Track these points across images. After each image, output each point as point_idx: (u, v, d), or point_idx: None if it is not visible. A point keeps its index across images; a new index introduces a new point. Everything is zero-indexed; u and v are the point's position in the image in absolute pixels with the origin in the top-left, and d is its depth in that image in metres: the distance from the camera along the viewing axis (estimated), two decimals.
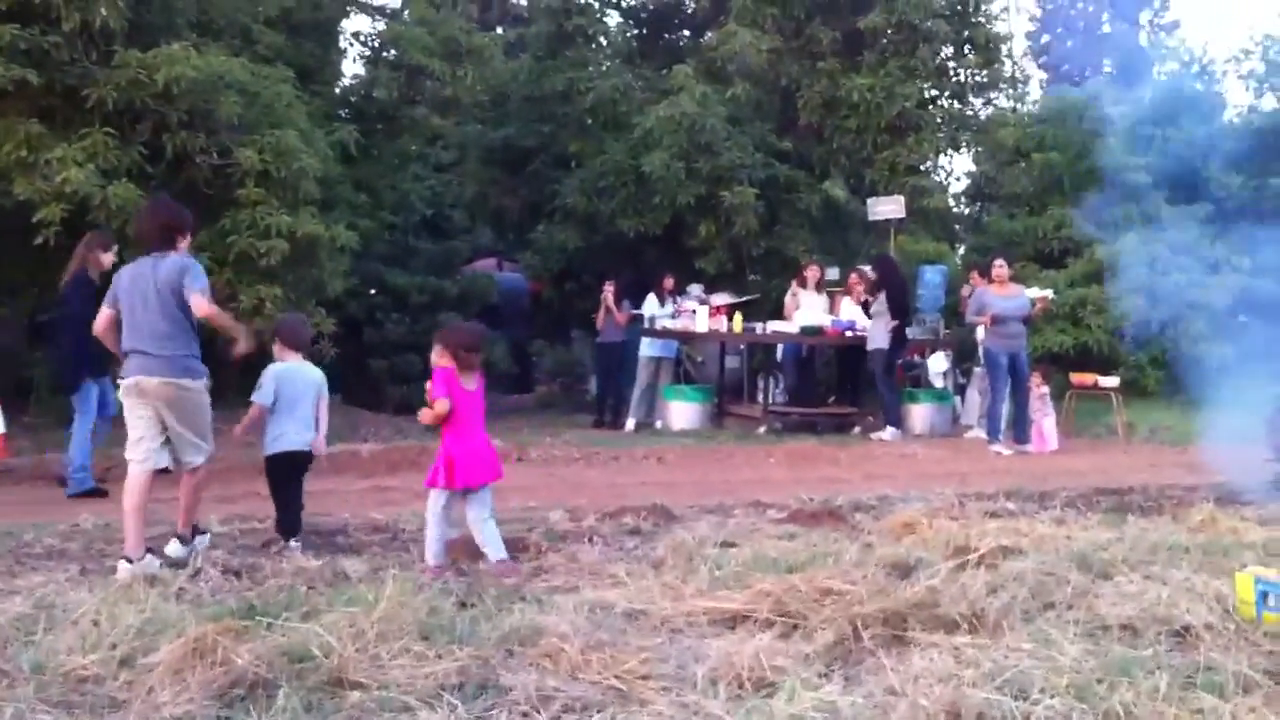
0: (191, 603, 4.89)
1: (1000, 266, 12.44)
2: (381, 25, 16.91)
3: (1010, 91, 22.44)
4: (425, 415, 6.02)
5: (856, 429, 13.42)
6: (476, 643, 4.34)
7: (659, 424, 14.11)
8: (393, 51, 16.19)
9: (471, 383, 6.05)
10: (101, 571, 5.66)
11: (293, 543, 6.43)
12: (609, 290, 14.59)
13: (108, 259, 8.65)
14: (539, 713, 3.75)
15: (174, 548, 6.12)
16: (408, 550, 6.32)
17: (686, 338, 14.53)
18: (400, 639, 4.26)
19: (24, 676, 4.00)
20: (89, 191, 10.89)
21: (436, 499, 5.98)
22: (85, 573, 5.63)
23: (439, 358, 6.05)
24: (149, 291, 6.09)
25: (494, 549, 5.95)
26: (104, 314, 6.24)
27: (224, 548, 6.32)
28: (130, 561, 5.75)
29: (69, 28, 11.48)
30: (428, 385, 6.08)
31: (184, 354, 6.13)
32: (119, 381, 6.27)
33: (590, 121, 18.45)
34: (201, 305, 6.08)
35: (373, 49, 16.71)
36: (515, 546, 6.30)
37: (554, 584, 5.51)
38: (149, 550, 5.94)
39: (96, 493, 8.34)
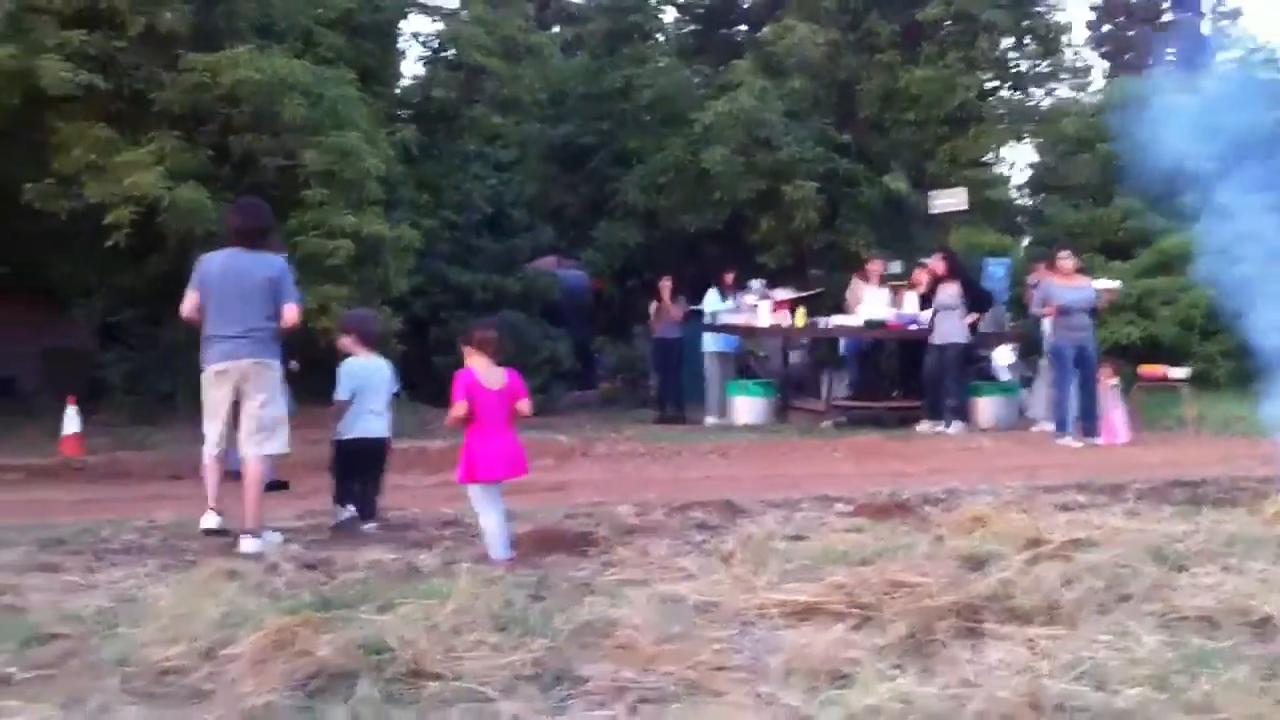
0: (269, 596, 4.95)
1: (1066, 258, 12.30)
2: (440, 25, 17.04)
3: (1072, 81, 22.19)
4: (449, 418, 6.07)
5: (921, 423, 13.33)
6: (550, 635, 4.34)
7: (724, 419, 14.11)
8: (452, 51, 16.31)
9: (496, 382, 6.04)
10: (179, 566, 5.75)
11: (367, 525, 6.79)
12: (664, 286, 14.63)
13: None
14: (615, 703, 3.76)
15: (248, 544, 6.23)
16: (477, 544, 6.36)
17: (749, 333, 14.51)
18: (475, 631, 4.28)
19: (109, 669, 4.06)
20: (158, 194, 11.07)
21: (478, 494, 6.02)
22: (165, 568, 5.71)
23: (466, 357, 6.12)
24: (245, 283, 6.50)
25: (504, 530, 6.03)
26: (192, 299, 6.57)
27: (298, 542, 6.42)
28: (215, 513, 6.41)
29: (134, 33, 11.67)
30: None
31: (270, 338, 6.58)
32: (206, 363, 6.56)
33: (648, 118, 18.49)
34: (294, 316, 6.59)
35: (432, 49, 16.84)
36: (584, 540, 6.33)
37: (624, 577, 5.49)
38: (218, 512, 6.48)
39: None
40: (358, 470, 6.99)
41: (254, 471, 6.50)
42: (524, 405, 6.14)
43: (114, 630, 4.47)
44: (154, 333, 12.43)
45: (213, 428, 6.56)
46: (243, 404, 6.52)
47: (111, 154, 11.50)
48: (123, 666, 4.06)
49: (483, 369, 6.03)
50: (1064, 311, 11.88)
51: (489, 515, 5.98)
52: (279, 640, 4.04)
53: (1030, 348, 14.38)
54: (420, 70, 17.71)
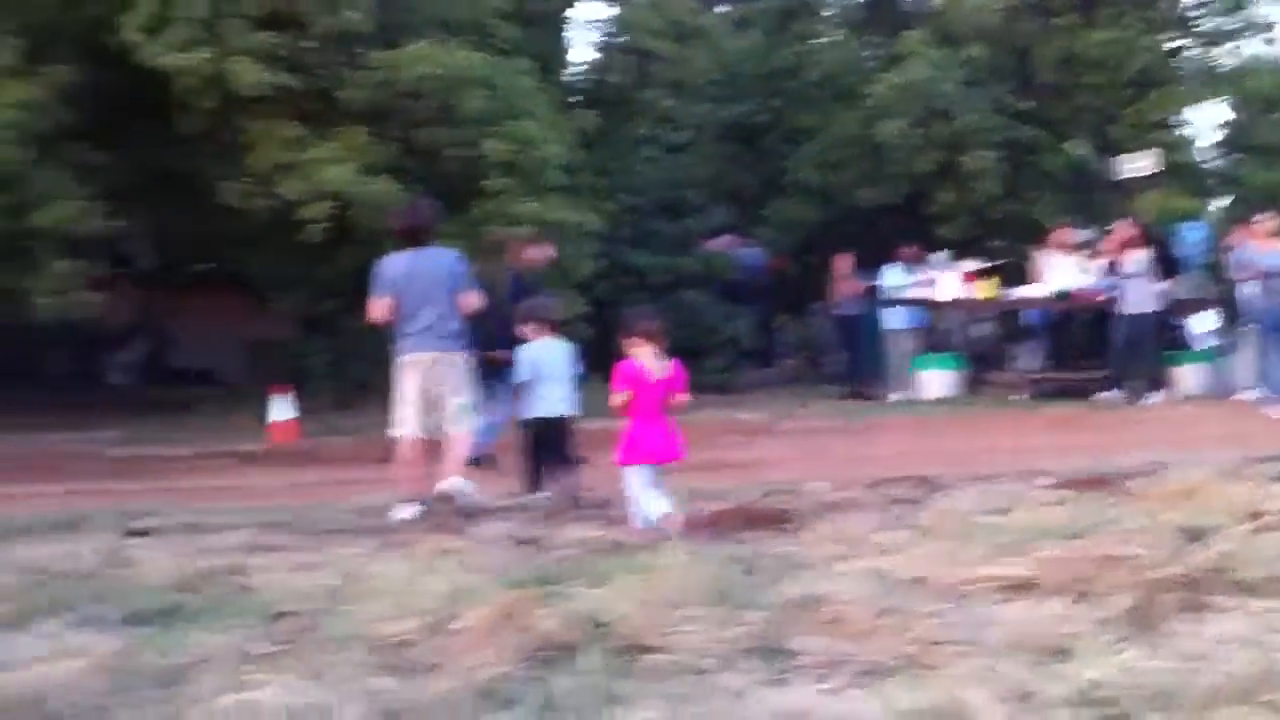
0: (488, 572, 5.08)
1: (1264, 221, 11.83)
2: (611, 10, 17.18)
3: (1261, 36, 21.18)
4: (612, 404, 6.38)
5: (1117, 393, 12.94)
6: (761, 609, 4.38)
7: (911, 394, 13.98)
8: (624, 36, 16.43)
9: (659, 371, 6.23)
10: (396, 545, 5.94)
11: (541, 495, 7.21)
12: (841, 262, 14.54)
13: (536, 254, 9.37)
14: (834, 676, 3.76)
15: (450, 483, 6.82)
16: (633, 523, 6.42)
17: (932, 306, 14.32)
18: (688, 605, 4.34)
19: (343, 643, 4.22)
20: (349, 189, 11.43)
21: (637, 476, 6.25)
22: (383, 547, 5.92)
23: (628, 348, 6.30)
24: (428, 280, 7.02)
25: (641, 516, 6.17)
26: (384, 301, 7.07)
27: (509, 520, 6.59)
28: (418, 503, 6.82)
29: (319, 32, 12.04)
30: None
31: (456, 329, 7.07)
32: (397, 355, 7.07)
33: (819, 94, 18.32)
34: (472, 303, 7.12)
35: (607, 35, 16.99)
36: (783, 517, 6.34)
37: (827, 553, 5.47)
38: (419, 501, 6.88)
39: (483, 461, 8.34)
40: (543, 448, 7.37)
41: (457, 441, 7.05)
42: (682, 397, 6.34)
43: (343, 606, 4.62)
44: (352, 322, 12.85)
45: (407, 415, 7.05)
46: (438, 392, 7.01)
47: (302, 151, 11.93)
48: (356, 640, 4.22)
49: (646, 358, 6.23)
50: (1267, 276, 11.41)
51: (648, 494, 6.17)
52: (503, 614, 4.16)
53: (1231, 313, 13.82)
54: (591, 56, 17.90)
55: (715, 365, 14.57)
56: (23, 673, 3.76)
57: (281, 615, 4.56)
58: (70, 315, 11.76)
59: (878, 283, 14.62)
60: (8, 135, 11.16)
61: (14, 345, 14.59)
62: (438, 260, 7.15)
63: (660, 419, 6.25)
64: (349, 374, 12.99)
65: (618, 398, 6.22)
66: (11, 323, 12.67)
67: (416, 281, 7.02)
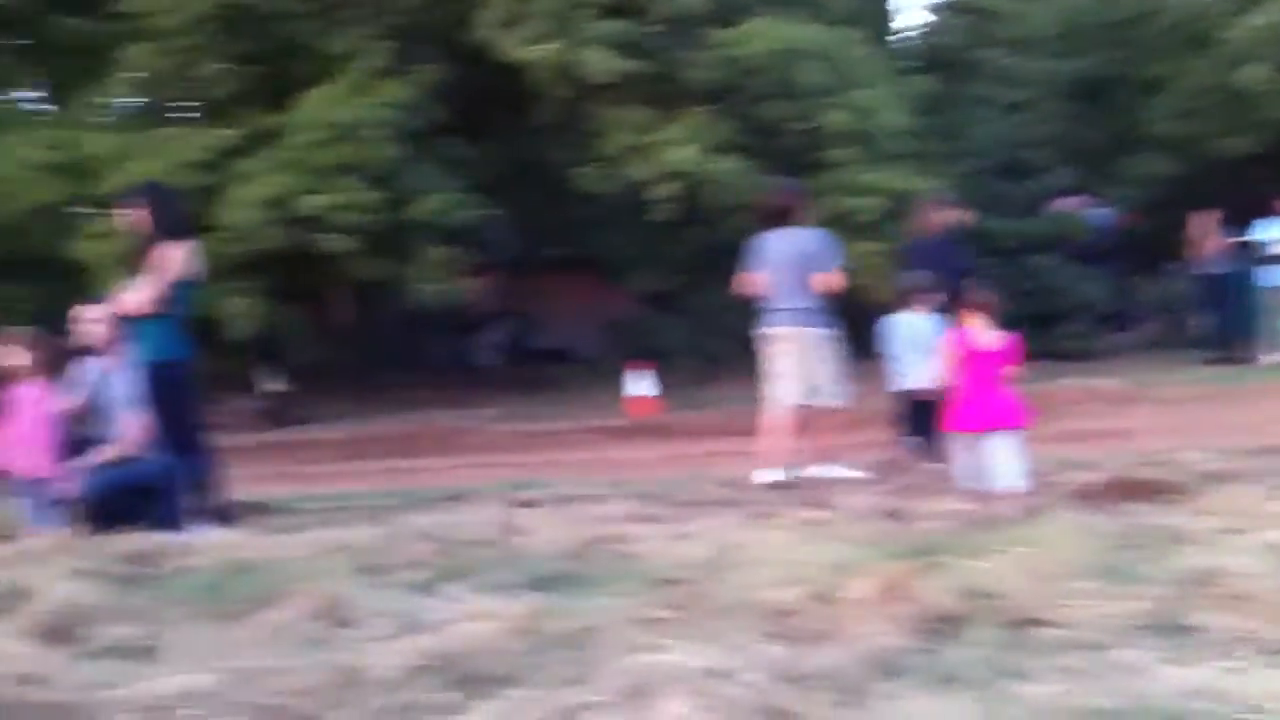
0: (861, 543, 5.13)
1: None
2: None
3: None
4: (935, 373, 6.60)
5: None
6: (1153, 583, 4.24)
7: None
8: None
9: (989, 343, 6.34)
10: (763, 515, 6.06)
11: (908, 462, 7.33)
12: (1204, 218, 13.72)
13: (945, 217, 9.38)
14: (1241, 655, 3.59)
15: (819, 469, 7.05)
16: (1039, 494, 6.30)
17: None
18: (1075, 578, 4.25)
19: (732, 610, 4.33)
20: (696, 169, 11.69)
21: (956, 442, 6.44)
22: (751, 517, 6.04)
23: (963, 319, 6.46)
24: (787, 259, 7.34)
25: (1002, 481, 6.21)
26: (754, 277, 7.47)
27: (877, 490, 6.60)
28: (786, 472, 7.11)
29: (660, 16, 12.36)
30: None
31: (816, 306, 7.35)
32: (764, 330, 7.42)
33: (1170, 42, 17.33)
34: (826, 283, 7.35)
35: None
36: (1164, 488, 6.09)
37: (1218, 525, 5.23)
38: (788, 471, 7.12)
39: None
40: (912, 421, 7.52)
41: (827, 418, 7.36)
42: (1013, 370, 6.38)
43: (725, 575, 4.73)
44: (703, 299, 13.18)
45: (783, 386, 7.36)
46: (806, 367, 7.29)
47: (649, 134, 12.28)
48: (743, 608, 4.31)
49: (977, 329, 6.36)
50: None
51: (966, 460, 6.31)
52: (887, 585, 4.20)
53: None
54: (920, 19, 17.60)
55: (1070, 331, 14.11)
56: (439, 634, 4.03)
57: (667, 582, 4.70)
58: (449, 301, 12.56)
59: (1249, 238, 13.71)
60: (385, 133, 12.03)
61: (395, 332, 15.71)
62: (805, 240, 7.45)
63: (991, 388, 6.33)
64: (704, 350, 13.33)
65: (944, 362, 6.43)
66: (393, 311, 13.64)
67: (785, 260, 7.33)
